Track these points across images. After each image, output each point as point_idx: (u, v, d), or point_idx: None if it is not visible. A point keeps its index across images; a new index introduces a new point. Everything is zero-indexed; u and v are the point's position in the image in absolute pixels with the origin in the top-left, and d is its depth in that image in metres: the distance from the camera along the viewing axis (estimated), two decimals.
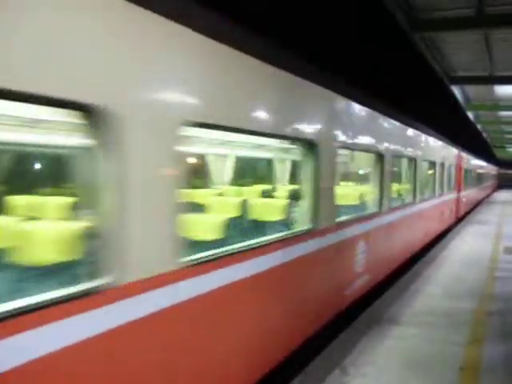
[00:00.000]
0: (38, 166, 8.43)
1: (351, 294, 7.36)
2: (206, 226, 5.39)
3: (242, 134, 5.45)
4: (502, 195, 50.62)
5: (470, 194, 25.54)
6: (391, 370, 5.73)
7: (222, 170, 10.63)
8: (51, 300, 2.59)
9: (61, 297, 2.64)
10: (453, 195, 19.04)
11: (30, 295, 2.56)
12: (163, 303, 3.32)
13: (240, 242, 4.59)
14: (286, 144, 8.78)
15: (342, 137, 6.68)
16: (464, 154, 22.70)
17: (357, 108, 7.50)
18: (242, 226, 6.54)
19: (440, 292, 9.31)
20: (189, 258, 3.64)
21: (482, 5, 8.16)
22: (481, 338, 6.88)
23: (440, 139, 15.75)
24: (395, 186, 11.01)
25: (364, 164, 12.20)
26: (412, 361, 6.00)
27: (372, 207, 8.68)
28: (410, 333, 7.00)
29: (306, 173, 5.84)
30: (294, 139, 5.74)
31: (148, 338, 3.22)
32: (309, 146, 5.74)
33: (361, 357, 6.07)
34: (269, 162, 12.12)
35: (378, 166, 8.56)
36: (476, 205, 32.32)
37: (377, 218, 8.46)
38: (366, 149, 8.09)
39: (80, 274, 3.06)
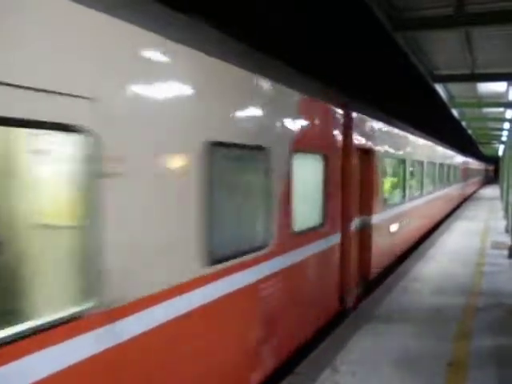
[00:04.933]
0: None
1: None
2: None
3: None
4: (489, 191, 51.08)
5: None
6: (381, 367, 5.76)
7: None
8: None
9: None
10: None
11: None
12: None
13: None
14: None
15: None
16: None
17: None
18: None
19: (428, 288, 9.39)
20: None
21: (461, 3, 8.24)
22: (469, 334, 6.95)
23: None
24: None
25: None
26: (401, 357, 6.05)
27: None
28: (399, 330, 7.05)
29: None
30: None
31: None
32: None
33: (351, 355, 6.10)
34: None
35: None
36: (463, 200, 32.57)
37: None
38: None
39: None
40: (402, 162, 12.29)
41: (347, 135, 7.74)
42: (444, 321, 7.49)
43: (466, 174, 34.17)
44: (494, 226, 18.99)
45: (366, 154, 8.95)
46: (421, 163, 14.60)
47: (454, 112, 21.33)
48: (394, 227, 11.09)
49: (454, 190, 25.65)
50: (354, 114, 8.08)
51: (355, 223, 8.25)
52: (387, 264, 10.66)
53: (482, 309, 8.12)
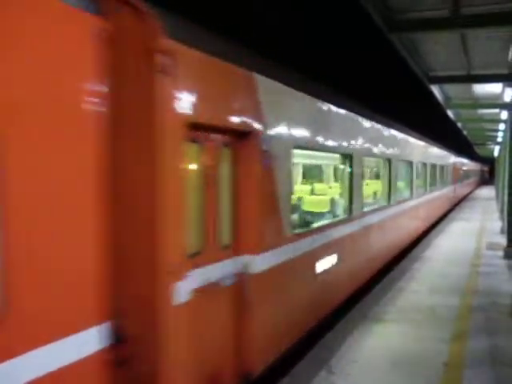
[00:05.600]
0: None
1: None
2: None
3: None
4: (484, 192, 51.22)
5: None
6: (376, 367, 5.77)
7: None
8: None
9: None
10: None
11: None
12: None
13: None
14: None
15: None
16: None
17: None
18: None
19: (424, 289, 9.42)
20: None
21: (457, 5, 8.29)
22: (464, 334, 6.98)
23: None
24: None
25: None
26: (397, 358, 6.06)
27: None
28: (394, 330, 7.07)
29: None
30: None
31: None
32: None
33: (346, 356, 6.10)
34: None
35: None
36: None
37: None
38: None
39: None
40: (347, 157, 8.38)
41: (149, 95, 3.35)
42: (440, 321, 7.52)
43: (460, 175, 32.73)
44: (489, 227, 19.06)
45: (239, 139, 4.76)
46: (387, 161, 11.17)
47: (450, 113, 21.42)
48: (324, 264, 6.91)
49: (443, 194, 22.20)
50: (184, 50, 3.73)
51: (196, 281, 3.98)
52: (303, 333, 6.26)
53: (477, 309, 8.15)
